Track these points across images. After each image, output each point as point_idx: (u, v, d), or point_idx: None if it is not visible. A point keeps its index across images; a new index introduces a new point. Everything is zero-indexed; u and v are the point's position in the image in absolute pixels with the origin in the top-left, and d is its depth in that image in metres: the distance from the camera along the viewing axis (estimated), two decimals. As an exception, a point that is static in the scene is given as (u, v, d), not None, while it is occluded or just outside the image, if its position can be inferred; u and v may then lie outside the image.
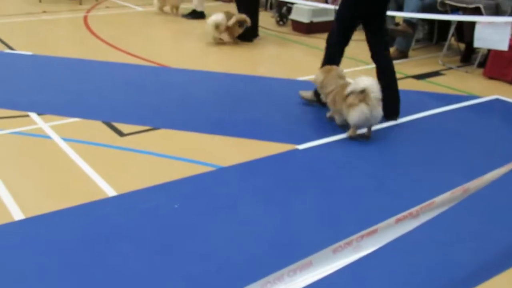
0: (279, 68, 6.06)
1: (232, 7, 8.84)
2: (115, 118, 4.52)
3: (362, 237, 1.82)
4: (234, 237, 2.94)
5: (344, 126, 4.39)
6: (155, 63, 6.19)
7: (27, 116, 4.55)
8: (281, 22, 8.30)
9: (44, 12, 8.82)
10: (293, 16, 7.97)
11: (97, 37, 7.30)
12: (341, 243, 1.78)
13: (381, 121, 4.43)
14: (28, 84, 5.33)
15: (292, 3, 7.93)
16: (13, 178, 3.53)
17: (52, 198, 3.31)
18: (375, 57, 4.52)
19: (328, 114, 4.58)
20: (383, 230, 1.88)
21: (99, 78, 5.61)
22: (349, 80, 4.44)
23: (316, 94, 4.78)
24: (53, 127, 4.32)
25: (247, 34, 7.15)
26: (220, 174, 3.66)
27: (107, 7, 9.41)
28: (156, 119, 4.55)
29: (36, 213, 3.13)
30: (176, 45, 6.87)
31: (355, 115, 4.10)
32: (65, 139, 4.11)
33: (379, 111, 4.14)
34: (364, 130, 4.31)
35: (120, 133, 4.26)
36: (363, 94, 4.06)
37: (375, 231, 1.87)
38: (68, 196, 3.33)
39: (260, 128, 4.41)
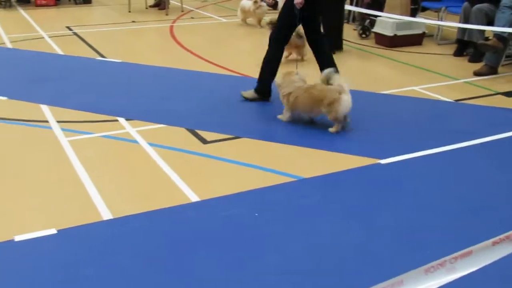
0: (361, 82, 5.97)
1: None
2: (198, 126, 4.62)
3: (456, 258, 1.73)
4: (314, 250, 2.91)
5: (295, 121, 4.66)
6: (237, 73, 6.28)
7: (116, 121, 4.75)
8: (364, 35, 8.20)
9: (133, 22, 9.19)
10: (377, 29, 7.85)
11: (182, 46, 7.51)
12: (434, 263, 1.70)
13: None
14: (117, 90, 5.56)
15: (376, 16, 7.81)
16: (103, 179, 3.68)
17: (138, 200, 3.42)
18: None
19: (280, 116, 4.77)
20: (479, 252, 1.78)
21: (183, 86, 5.76)
22: (311, 83, 4.66)
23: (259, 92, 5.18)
24: (140, 132, 4.48)
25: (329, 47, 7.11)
26: (301, 185, 3.64)
27: (192, 17, 9.67)
28: (238, 128, 4.61)
29: (123, 214, 3.24)
30: (259, 56, 6.95)
31: (341, 108, 4.41)
32: (151, 144, 4.24)
33: (350, 98, 4.49)
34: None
35: (203, 141, 4.35)
36: (338, 88, 4.42)
37: (469, 253, 1.77)
38: (153, 199, 3.43)
39: (341, 141, 4.36)
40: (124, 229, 3.09)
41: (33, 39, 7.74)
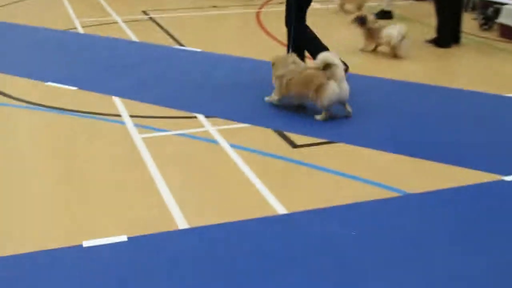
0: (482, 82, 5.76)
1: (427, 7, 8.64)
2: (287, 127, 4.64)
3: None
4: (427, 281, 2.82)
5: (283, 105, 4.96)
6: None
7: (195, 117, 4.86)
8: (485, 26, 7.90)
9: (214, 7, 9.37)
10: (502, 19, 7.53)
11: (270, 35, 7.57)
12: None
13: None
14: (196, 83, 5.68)
15: (502, 3, 7.51)
16: (179, 183, 3.77)
17: (218, 209, 3.47)
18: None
19: (268, 98, 5.09)
20: None
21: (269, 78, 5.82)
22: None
23: None
24: (221, 132, 4.55)
25: (444, 39, 6.92)
26: (407, 202, 3.56)
27: (280, 3, 9.72)
28: (332, 131, 4.59)
29: (200, 223, 3.29)
30: (357, 47, 6.87)
31: (326, 94, 4.64)
32: (232, 146, 4.30)
33: (346, 85, 4.73)
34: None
35: (293, 144, 4.35)
36: (328, 71, 4.64)
37: None
38: (234, 208, 3.47)
39: (454, 151, 4.21)
40: (201, 241, 3.15)
41: (106, 24, 8.09)
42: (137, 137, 4.44)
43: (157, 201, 3.54)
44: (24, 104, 5.13)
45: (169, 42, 7.16)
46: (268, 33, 7.73)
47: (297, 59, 5.06)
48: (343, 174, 3.89)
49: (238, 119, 4.81)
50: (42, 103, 5.12)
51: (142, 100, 5.22)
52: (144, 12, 8.79)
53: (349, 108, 4.84)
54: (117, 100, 5.22)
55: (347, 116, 4.81)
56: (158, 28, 7.88)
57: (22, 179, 3.85)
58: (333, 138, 4.44)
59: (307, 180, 3.85)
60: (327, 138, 4.44)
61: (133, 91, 5.44)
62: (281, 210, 3.44)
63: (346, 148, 4.31)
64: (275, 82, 5.04)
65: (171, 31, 7.69)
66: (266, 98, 5.10)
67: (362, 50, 6.84)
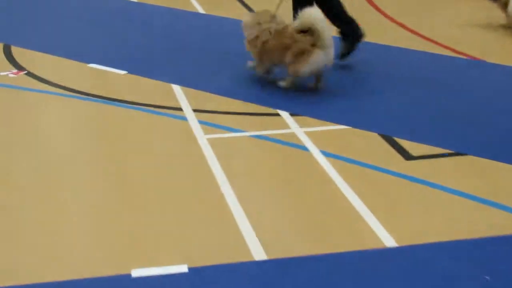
0: None
1: None
2: (399, 132, 4.60)
3: None
4: None
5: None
6: (462, 54, 6.15)
7: (277, 115, 4.87)
8: None
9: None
10: None
11: (380, 11, 7.51)
12: None
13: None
14: (278, 71, 5.70)
15: None
16: (255, 201, 3.77)
17: (305, 237, 3.44)
18: None
19: (250, 64, 5.45)
20: None
21: (381, 68, 5.79)
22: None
23: None
24: (310, 135, 4.53)
25: None
26: None
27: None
28: (461, 139, 4.54)
29: (282, 254, 3.28)
30: (485, 27, 6.73)
31: (308, 64, 4.97)
32: (326, 154, 4.27)
33: (332, 53, 5.06)
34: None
35: (406, 155, 4.30)
36: (313, 35, 4.91)
37: None
38: (327, 236, 3.44)
39: None
40: (283, 276, 3.13)
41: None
42: (203, 138, 4.49)
43: (227, 223, 3.55)
44: (63, 92, 5.29)
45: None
46: (376, 7, 7.66)
47: (277, 17, 5.28)
48: (474, 198, 3.80)
49: (333, 119, 4.78)
50: (83, 90, 5.27)
51: (210, 90, 5.30)
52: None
53: (321, 82, 5.26)
54: (177, 88, 5.31)
55: (317, 89, 5.25)
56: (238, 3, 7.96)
57: (62, 187, 3.94)
58: (459, 149, 4.35)
59: (424, 203, 3.77)
60: (452, 149, 4.36)
61: (198, 78, 5.53)
62: (389, 242, 3.39)
63: (478, 162, 4.22)
64: (248, 48, 5.35)
65: (249, 1, 7.76)
66: (249, 64, 5.49)
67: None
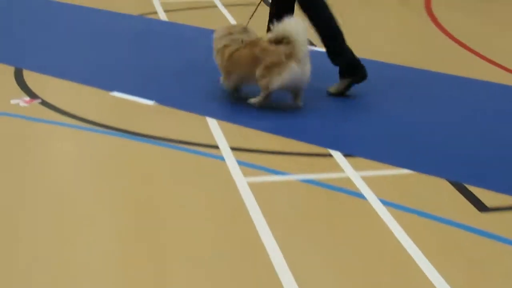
0: None
1: None
2: (471, 179, 4.58)
3: None
4: None
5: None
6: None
7: (329, 155, 4.89)
8: None
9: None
10: None
11: (442, 29, 7.51)
12: None
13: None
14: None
15: None
16: (302, 258, 3.75)
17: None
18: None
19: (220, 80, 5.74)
20: None
21: (454, 105, 5.84)
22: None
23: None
24: (368, 179, 4.53)
25: None
26: None
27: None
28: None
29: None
30: None
31: (281, 77, 5.20)
32: (385, 202, 4.26)
33: (309, 68, 5.30)
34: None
35: (481, 206, 4.27)
36: (288, 45, 5.15)
37: None
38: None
39: None
40: None
41: (199, 8, 8.32)
42: (242, 181, 4.51)
43: (266, 278, 3.55)
44: (81, 124, 5.35)
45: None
46: (438, 24, 7.67)
47: (250, 30, 5.59)
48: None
49: (395, 161, 4.79)
50: (104, 123, 5.34)
51: (251, 125, 5.34)
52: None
53: (300, 102, 5.50)
54: (213, 123, 5.36)
55: (295, 107, 5.48)
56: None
57: (76, 237, 3.96)
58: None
59: (504, 266, 3.74)
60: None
61: (236, 111, 5.59)
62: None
63: None
64: (216, 59, 5.65)
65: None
66: (221, 83, 5.74)
67: None
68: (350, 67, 5.77)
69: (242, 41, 5.45)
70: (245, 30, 5.59)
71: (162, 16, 8.02)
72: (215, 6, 8.38)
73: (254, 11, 5.73)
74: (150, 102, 5.72)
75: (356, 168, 4.70)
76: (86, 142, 5.14)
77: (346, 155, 4.87)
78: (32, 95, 5.81)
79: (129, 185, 4.55)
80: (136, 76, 6.35)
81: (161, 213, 4.22)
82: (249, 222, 4.08)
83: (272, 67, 5.22)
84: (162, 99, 5.77)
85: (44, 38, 7.46)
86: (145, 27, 7.77)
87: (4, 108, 5.56)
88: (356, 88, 5.87)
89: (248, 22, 5.65)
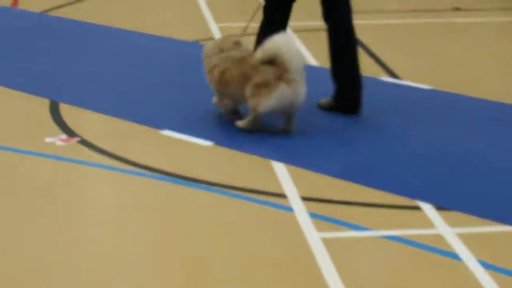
0: None
1: None
2: None
3: None
4: None
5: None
6: None
7: (418, 208, 4.83)
8: None
9: (457, 9, 9.39)
10: None
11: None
12: None
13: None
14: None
15: None
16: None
17: None
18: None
19: (214, 101, 6.06)
20: None
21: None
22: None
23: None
24: (465, 237, 4.46)
25: None
26: None
27: None
28: None
29: None
30: None
31: (270, 100, 5.40)
32: (485, 265, 4.19)
33: (303, 89, 5.51)
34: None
35: None
36: (279, 65, 5.35)
37: None
38: None
39: None
40: None
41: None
42: (315, 237, 4.47)
43: None
44: (126, 166, 5.39)
45: (373, 71, 7.26)
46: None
47: (241, 43, 5.89)
48: None
49: (499, 217, 4.72)
50: (152, 166, 5.35)
51: (325, 170, 5.30)
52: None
53: (292, 126, 5.74)
54: (280, 167, 5.34)
55: (287, 132, 5.74)
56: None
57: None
58: None
59: None
60: None
61: (305, 154, 5.57)
62: None
63: None
64: (208, 80, 5.91)
65: (376, 50, 7.80)
66: (214, 104, 5.95)
67: None
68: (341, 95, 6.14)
69: (232, 59, 5.66)
70: (236, 44, 5.80)
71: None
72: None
73: (251, 18, 6.05)
74: (206, 143, 5.73)
75: (450, 223, 4.64)
76: (131, 187, 5.17)
77: (439, 208, 4.81)
78: (70, 132, 5.88)
79: (181, 238, 4.55)
80: (190, 112, 6.37)
81: (218, 273, 4.20)
82: (323, 285, 4.04)
83: (261, 87, 5.42)
84: (221, 139, 5.79)
85: (85, 66, 7.58)
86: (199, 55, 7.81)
87: (38, 147, 5.62)
88: (441, 128, 5.87)
89: (245, 29, 6.02)
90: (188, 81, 7.03)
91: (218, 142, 5.74)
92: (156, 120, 6.16)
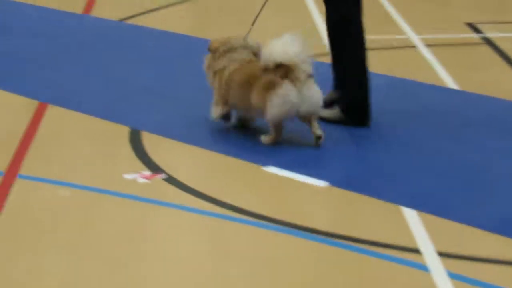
0: None
1: None
2: None
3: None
4: None
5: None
6: None
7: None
8: None
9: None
10: None
11: None
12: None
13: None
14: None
15: None
16: None
17: None
18: None
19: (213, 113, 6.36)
20: None
21: None
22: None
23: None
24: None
25: None
26: None
27: None
28: None
29: None
30: None
31: (274, 102, 5.68)
32: None
33: (314, 90, 5.84)
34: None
35: None
36: (284, 66, 5.64)
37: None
38: None
39: None
40: None
41: (389, 48, 8.39)
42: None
43: None
44: (221, 211, 5.40)
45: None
46: None
47: (250, 42, 6.20)
48: None
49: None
50: (253, 210, 5.36)
51: (465, 219, 5.27)
52: (471, 26, 8.99)
53: (318, 130, 6.02)
54: (410, 214, 5.33)
55: (318, 138, 6.02)
56: (498, 59, 8.01)
57: None
58: None
59: None
60: None
61: (441, 198, 5.58)
62: None
63: None
64: (211, 84, 6.07)
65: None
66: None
67: None
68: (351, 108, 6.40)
69: (244, 60, 5.96)
70: (245, 44, 6.05)
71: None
72: (413, 46, 8.43)
73: (257, 15, 6.20)
74: (321, 183, 5.76)
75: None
76: (227, 235, 5.21)
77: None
78: (154, 167, 5.95)
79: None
80: (301, 146, 6.40)
81: None
82: None
83: (265, 92, 5.69)
84: (338, 180, 5.81)
85: (173, 86, 7.71)
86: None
87: (116, 185, 5.70)
88: None
89: (250, 29, 6.15)
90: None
91: (334, 182, 5.76)
92: (258, 155, 6.19)
